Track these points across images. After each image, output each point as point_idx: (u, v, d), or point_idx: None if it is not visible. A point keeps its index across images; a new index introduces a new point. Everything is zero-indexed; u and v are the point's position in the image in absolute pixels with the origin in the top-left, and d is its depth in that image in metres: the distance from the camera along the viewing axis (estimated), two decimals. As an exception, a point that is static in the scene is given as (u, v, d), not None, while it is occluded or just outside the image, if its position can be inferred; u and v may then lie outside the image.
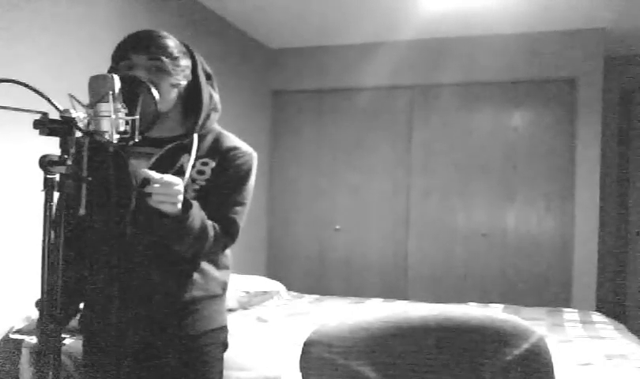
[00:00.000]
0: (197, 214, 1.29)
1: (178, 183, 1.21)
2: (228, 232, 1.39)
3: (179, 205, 1.22)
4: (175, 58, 1.35)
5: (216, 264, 1.45)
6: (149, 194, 1.19)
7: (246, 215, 1.45)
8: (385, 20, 4.03)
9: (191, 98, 1.42)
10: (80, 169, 1.31)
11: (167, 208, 1.21)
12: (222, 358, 1.49)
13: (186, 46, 1.42)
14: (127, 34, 1.37)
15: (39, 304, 1.37)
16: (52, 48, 2.59)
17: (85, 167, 1.31)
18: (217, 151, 1.42)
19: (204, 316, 1.41)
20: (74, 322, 1.47)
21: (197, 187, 1.37)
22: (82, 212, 1.29)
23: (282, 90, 4.85)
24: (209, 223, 1.33)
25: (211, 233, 1.33)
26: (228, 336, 1.52)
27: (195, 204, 1.29)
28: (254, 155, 1.48)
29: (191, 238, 1.29)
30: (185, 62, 1.39)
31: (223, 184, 1.40)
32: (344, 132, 4.69)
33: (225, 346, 1.51)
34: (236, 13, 3.99)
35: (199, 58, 1.44)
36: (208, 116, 1.44)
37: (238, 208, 1.42)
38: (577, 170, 4.14)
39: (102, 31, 2.83)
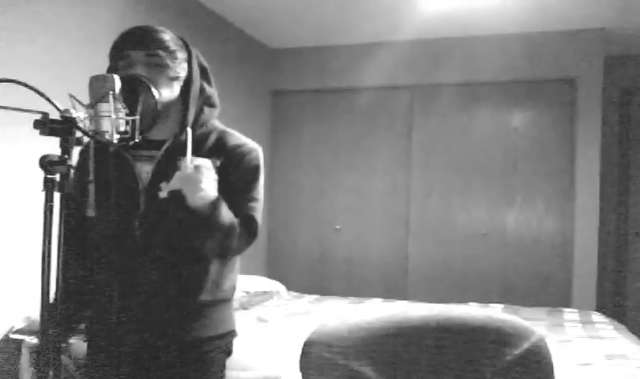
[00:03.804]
0: (225, 208, 1.27)
1: (208, 166, 1.21)
2: (248, 230, 1.37)
3: (210, 191, 1.22)
4: (172, 51, 1.33)
5: (226, 267, 1.43)
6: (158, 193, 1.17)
7: (262, 212, 1.42)
8: (385, 20, 4.03)
9: (187, 94, 1.40)
10: (86, 172, 1.31)
11: (195, 192, 1.20)
12: (224, 365, 1.46)
13: (182, 40, 1.40)
14: (122, 31, 1.36)
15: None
16: (52, 48, 2.58)
17: (92, 170, 1.31)
18: (222, 149, 1.40)
19: (211, 320, 1.39)
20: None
21: None
22: (91, 213, 1.29)
23: (282, 90, 4.84)
24: (235, 219, 1.32)
25: (237, 230, 1.32)
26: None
27: (220, 197, 1.27)
28: (260, 149, 1.46)
29: (222, 233, 1.27)
30: (182, 55, 1.37)
31: (235, 182, 1.37)
32: (344, 132, 4.69)
33: (229, 352, 1.48)
34: (236, 12, 3.99)
35: (194, 52, 1.41)
36: (202, 110, 1.41)
37: (254, 205, 1.40)
38: (577, 170, 4.14)
39: (102, 31, 2.83)
